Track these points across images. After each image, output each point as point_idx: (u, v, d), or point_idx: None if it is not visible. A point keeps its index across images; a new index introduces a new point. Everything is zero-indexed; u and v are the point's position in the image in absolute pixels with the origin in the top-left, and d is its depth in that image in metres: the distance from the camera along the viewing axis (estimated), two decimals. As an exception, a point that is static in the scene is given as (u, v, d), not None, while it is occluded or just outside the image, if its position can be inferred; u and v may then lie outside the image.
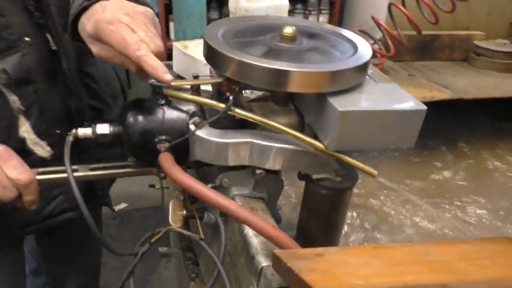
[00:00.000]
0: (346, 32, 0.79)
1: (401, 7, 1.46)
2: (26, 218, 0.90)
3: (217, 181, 0.73)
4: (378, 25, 1.51)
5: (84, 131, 0.69)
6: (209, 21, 1.24)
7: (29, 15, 0.78)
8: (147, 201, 2.47)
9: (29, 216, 0.89)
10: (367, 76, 0.72)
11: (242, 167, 0.73)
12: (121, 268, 1.99)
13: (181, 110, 0.71)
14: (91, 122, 0.71)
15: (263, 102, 0.78)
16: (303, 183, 0.77)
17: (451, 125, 1.62)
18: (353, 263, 0.48)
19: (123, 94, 1.14)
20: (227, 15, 1.46)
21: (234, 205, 0.58)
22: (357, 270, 0.46)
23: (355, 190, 1.08)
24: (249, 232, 0.65)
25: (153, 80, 0.68)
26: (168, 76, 0.64)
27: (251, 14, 1.34)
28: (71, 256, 1.26)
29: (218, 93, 0.79)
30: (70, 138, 0.68)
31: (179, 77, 1.16)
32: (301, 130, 0.72)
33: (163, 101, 0.70)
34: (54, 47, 0.82)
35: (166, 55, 0.71)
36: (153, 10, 0.73)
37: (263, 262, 0.59)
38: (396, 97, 0.67)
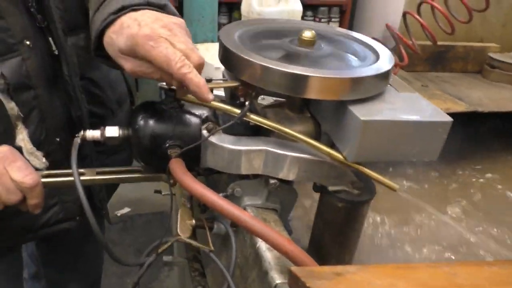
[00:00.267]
0: (367, 39, 0.76)
1: (417, 16, 1.43)
2: (21, 226, 0.87)
3: (228, 190, 0.70)
4: (393, 33, 1.48)
5: (92, 134, 0.66)
6: (219, 25, 1.22)
7: (30, 17, 0.74)
8: (150, 206, 2.44)
9: (25, 224, 0.86)
10: (388, 85, 0.69)
11: (255, 176, 0.70)
12: (122, 275, 1.96)
13: (193, 115, 0.68)
14: (93, 129, 0.67)
15: (278, 108, 0.75)
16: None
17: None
18: (377, 285, 0.45)
19: (131, 97, 1.10)
20: (237, 19, 1.43)
21: (248, 217, 0.55)
22: (383, 292, 0.43)
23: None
24: (262, 245, 0.62)
25: (163, 83, 0.65)
26: (210, 96, 0.61)
27: (263, 18, 1.31)
28: (70, 262, 1.22)
29: (232, 98, 0.76)
30: (77, 140, 0.65)
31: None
32: (317, 139, 0.69)
33: (175, 105, 0.67)
34: (56, 52, 0.79)
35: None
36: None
37: (277, 278, 0.56)
38: (419, 107, 0.64)
